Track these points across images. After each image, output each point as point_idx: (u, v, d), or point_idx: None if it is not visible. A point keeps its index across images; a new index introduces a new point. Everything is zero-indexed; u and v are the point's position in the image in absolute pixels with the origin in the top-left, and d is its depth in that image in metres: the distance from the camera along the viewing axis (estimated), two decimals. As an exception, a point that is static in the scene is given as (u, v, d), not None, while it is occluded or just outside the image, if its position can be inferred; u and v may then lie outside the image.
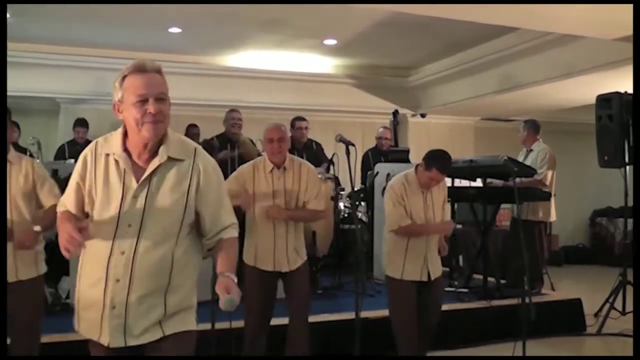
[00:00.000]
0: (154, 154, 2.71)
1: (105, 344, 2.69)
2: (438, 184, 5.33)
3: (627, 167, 7.39)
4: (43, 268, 4.66)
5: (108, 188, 2.71)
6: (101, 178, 2.72)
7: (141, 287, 2.67)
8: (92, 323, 2.72)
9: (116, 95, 2.69)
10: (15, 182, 4.37)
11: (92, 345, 2.81)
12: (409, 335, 5.26)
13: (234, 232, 2.88)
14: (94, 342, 2.76)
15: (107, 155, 2.74)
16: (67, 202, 2.84)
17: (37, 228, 4.37)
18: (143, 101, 2.61)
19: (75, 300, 2.84)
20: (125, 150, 2.72)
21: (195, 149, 2.83)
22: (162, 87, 2.68)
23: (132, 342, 2.68)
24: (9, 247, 4.31)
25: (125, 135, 2.74)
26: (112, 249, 2.66)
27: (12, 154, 4.42)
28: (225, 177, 3.09)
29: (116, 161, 2.72)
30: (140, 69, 2.65)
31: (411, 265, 5.26)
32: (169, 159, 2.72)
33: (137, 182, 2.68)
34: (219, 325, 4.73)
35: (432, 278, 5.33)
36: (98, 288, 2.68)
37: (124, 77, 2.67)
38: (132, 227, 2.66)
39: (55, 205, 4.43)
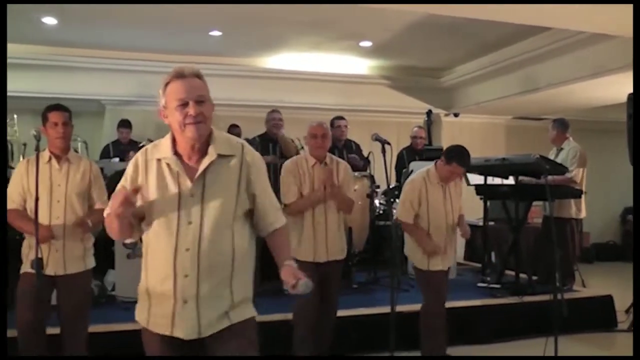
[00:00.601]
0: (203, 153, 2.83)
1: (182, 337, 2.81)
2: (456, 179, 5.58)
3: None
4: (91, 263, 4.84)
5: (163, 190, 2.82)
6: (154, 181, 2.83)
7: (209, 280, 2.79)
8: (164, 318, 2.83)
9: (161, 102, 2.84)
10: (72, 181, 4.55)
11: (149, 337, 2.93)
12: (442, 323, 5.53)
13: (283, 220, 3.06)
14: (153, 335, 2.89)
15: (159, 160, 2.85)
16: None
17: (90, 222, 4.59)
18: (184, 105, 2.75)
19: (140, 295, 2.96)
20: (176, 153, 2.85)
21: (242, 145, 2.96)
22: (201, 90, 2.81)
23: (206, 333, 2.82)
24: (59, 242, 4.52)
25: (174, 140, 2.87)
26: (176, 246, 2.77)
27: (72, 154, 4.63)
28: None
29: (168, 165, 2.84)
30: (179, 75, 2.80)
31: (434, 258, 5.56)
32: (219, 156, 2.84)
33: (192, 181, 2.80)
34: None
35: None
36: (167, 284, 2.79)
37: (166, 85, 2.81)
38: (193, 224, 2.78)
39: (103, 210, 4.71)
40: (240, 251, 2.90)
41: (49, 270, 4.43)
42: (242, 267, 2.92)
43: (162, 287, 2.82)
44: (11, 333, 4.50)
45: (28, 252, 4.49)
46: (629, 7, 5.91)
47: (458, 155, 5.42)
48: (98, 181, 4.72)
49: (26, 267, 4.46)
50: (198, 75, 2.84)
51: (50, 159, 4.52)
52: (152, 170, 2.86)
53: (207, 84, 2.87)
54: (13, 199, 4.52)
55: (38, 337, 4.41)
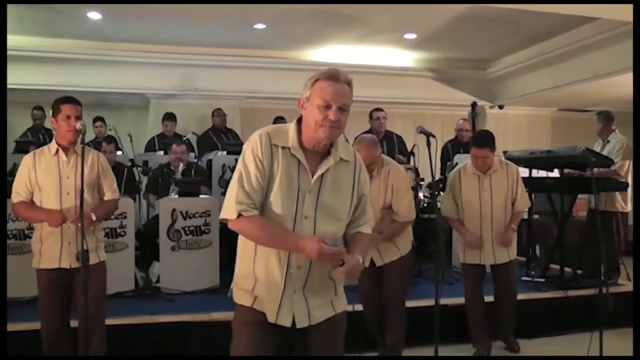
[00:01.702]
0: (324, 153, 2.90)
1: (288, 325, 2.88)
2: (490, 165, 5.57)
3: None
4: (103, 255, 4.69)
5: (289, 179, 2.84)
6: (281, 168, 2.84)
7: (319, 272, 2.90)
8: (270, 304, 2.89)
9: (304, 93, 2.87)
10: (79, 173, 4.36)
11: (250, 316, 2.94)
12: (473, 314, 5.76)
13: (369, 229, 3.11)
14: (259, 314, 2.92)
15: (284, 148, 2.86)
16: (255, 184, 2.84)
17: (93, 216, 4.48)
18: (327, 107, 2.79)
19: (248, 280, 2.95)
20: (301, 146, 2.88)
21: (354, 151, 3.07)
22: (347, 99, 2.85)
23: (314, 321, 2.92)
24: (71, 234, 4.43)
25: (299, 131, 2.90)
26: None
27: (79, 146, 4.47)
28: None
29: (292, 154, 2.86)
30: (333, 77, 2.85)
31: (469, 250, 5.68)
32: (340, 159, 2.92)
33: (312, 176, 2.85)
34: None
35: (497, 262, 5.70)
36: (278, 273, 2.86)
37: (316, 81, 2.86)
38: (308, 218, 2.84)
39: (113, 200, 4.69)
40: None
41: (64, 263, 4.42)
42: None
43: (273, 275, 2.89)
44: (32, 326, 4.56)
45: (40, 246, 4.48)
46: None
47: (474, 138, 5.55)
48: (107, 172, 4.70)
49: (41, 263, 4.48)
50: (349, 83, 2.88)
51: (57, 151, 4.47)
52: (277, 155, 2.86)
53: (352, 92, 2.92)
54: (19, 193, 4.47)
55: (63, 329, 4.45)
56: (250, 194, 2.81)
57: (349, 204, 2.96)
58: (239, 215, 2.80)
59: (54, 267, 4.42)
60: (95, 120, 9.88)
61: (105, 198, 4.67)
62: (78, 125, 4.33)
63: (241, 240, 2.98)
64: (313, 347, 2.97)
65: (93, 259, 4.46)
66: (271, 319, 2.89)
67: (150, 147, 9.98)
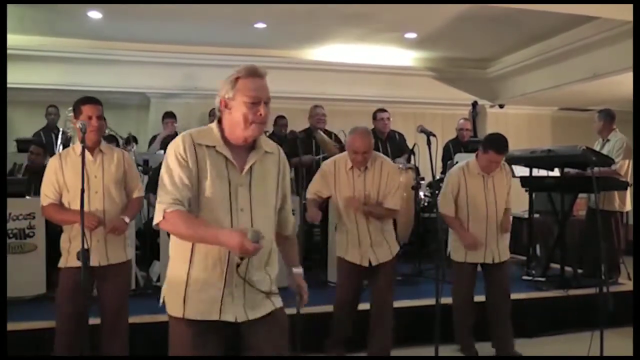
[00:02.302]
0: (248, 147, 2.97)
1: (232, 320, 2.91)
2: (499, 167, 5.60)
3: None
4: (131, 253, 4.85)
5: (219, 176, 2.88)
6: (209, 167, 2.87)
7: (257, 265, 2.96)
8: (209, 303, 2.89)
9: (226, 93, 2.90)
10: (107, 171, 4.58)
11: (184, 327, 2.94)
12: (466, 314, 5.78)
13: (295, 230, 3.29)
14: (191, 323, 2.91)
15: (208, 146, 2.90)
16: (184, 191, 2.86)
17: (127, 219, 4.61)
18: (255, 103, 2.86)
19: (181, 285, 2.94)
20: (226, 143, 2.94)
21: (277, 146, 3.15)
22: (269, 93, 2.93)
23: (253, 316, 2.95)
24: (100, 233, 4.51)
25: (221, 130, 2.96)
26: None
27: (104, 145, 4.63)
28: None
29: (218, 152, 2.90)
30: (254, 73, 2.90)
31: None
32: (265, 152, 3.02)
33: (241, 171, 2.92)
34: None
35: (500, 260, 5.72)
36: (216, 270, 2.89)
37: (237, 79, 2.90)
38: (244, 211, 2.90)
39: (140, 198, 4.78)
40: (272, 240, 3.09)
41: (93, 262, 4.41)
42: (275, 257, 3.13)
43: (212, 273, 2.91)
44: (32, 326, 4.54)
45: (68, 245, 4.53)
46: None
47: (495, 143, 5.47)
48: (132, 170, 4.77)
49: (68, 262, 4.52)
50: (265, 76, 2.96)
51: (83, 151, 4.38)
52: (202, 155, 2.90)
53: None
54: (48, 195, 4.52)
55: (80, 329, 4.39)
56: (173, 191, 2.83)
57: (274, 194, 3.07)
58: (164, 214, 2.81)
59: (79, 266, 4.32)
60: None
61: (134, 196, 4.77)
62: (78, 124, 4.34)
63: (173, 240, 2.98)
64: (258, 342, 2.99)
65: (120, 257, 4.64)
66: (214, 316, 2.90)
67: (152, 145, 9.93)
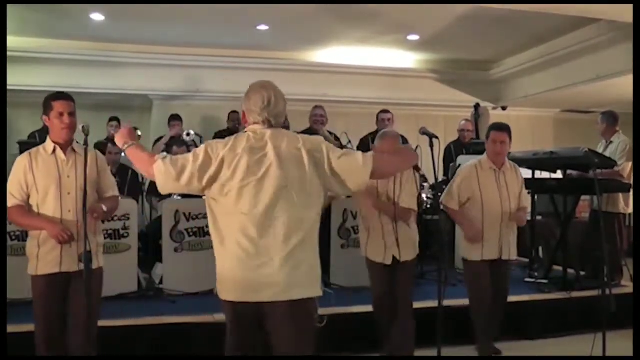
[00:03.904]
0: None
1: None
2: (506, 148, 5.61)
3: None
4: (102, 261, 4.42)
5: None
6: None
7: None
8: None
9: None
10: (81, 171, 4.17)
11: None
12: (484, 313, 5.69)
13: None
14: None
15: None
16: None
17: (104, 207, 4.28)
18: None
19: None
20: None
21: None
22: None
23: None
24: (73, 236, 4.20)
25: None
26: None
27: (75, 144, 4.35)
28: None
29: None
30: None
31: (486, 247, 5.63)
32: None
33: None
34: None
35: (510, 258, 5.71)
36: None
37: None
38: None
39: (115, 197, 4.50)
40: None
41: (65, 267, 4.18)
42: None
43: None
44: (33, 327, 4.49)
45: (37, 251, 4.20)
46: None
47: (493, 125, 5.65)
48: (105, 170, 4.49)
49: (39, 269, 4.21)
50: None
51: (54, 150, 4.27)
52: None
53: None
54: (14, 195, 4.20)
55: (60, 338, 4.21)
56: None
57: None
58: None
59: (54, 272, 4.17)
60: (110, 120, 9.85)
61: (108, 195, 4.44)
62: (80, 125, 4.17)
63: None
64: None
65: (93, 264, 4.17)
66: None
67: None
